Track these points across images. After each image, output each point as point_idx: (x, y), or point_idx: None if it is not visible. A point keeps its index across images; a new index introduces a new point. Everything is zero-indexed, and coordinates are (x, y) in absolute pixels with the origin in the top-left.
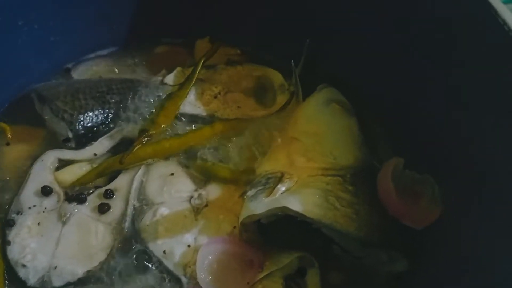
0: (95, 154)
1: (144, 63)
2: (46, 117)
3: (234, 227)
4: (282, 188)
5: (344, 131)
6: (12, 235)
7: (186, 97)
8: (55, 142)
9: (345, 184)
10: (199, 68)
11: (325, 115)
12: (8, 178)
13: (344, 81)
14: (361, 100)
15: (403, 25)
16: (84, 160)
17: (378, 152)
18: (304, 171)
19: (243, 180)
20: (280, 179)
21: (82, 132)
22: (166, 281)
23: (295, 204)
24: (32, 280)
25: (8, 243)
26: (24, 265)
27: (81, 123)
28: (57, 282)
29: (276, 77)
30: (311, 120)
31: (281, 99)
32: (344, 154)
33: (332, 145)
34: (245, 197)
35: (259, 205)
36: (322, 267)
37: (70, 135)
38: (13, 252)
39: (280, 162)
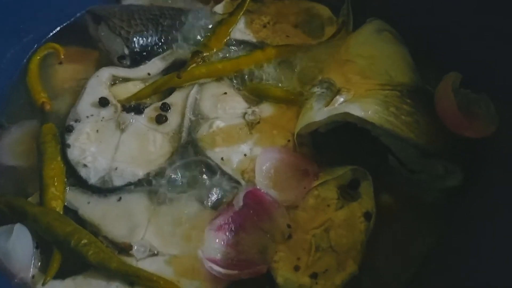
0: (149, 74)
1: None
2: (102, 34)
3: (288, 140)
4: (340, 99)
5: (397, 55)
6: (71, 139)
7: (236, 23)
8: (108, 63)
9: (403, 98)
10: None
11: (378, 41)
12: (62, 94)
13: (390, 19)
14: (408, 33)
15: None
16: (138, 78)
17: (429, 80)
18: (361, 86)
19: (295, 100)
20: (337, 92)
21: (137, 49)
22: (225, 183)
23: (356, 110)
24: (93, 179)
25: (68, 146)
26: (85, 165)
27: (137, 40)
28: (118, 181)
29: (324, 11)
30: (364, 45)
31: (329, 31)
32: (400, 73)
33: (387, 66)
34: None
35: (319, 113)
36: (374, 186)
37: (126, 51)
38: (73, 154)
39: (336, 80)
